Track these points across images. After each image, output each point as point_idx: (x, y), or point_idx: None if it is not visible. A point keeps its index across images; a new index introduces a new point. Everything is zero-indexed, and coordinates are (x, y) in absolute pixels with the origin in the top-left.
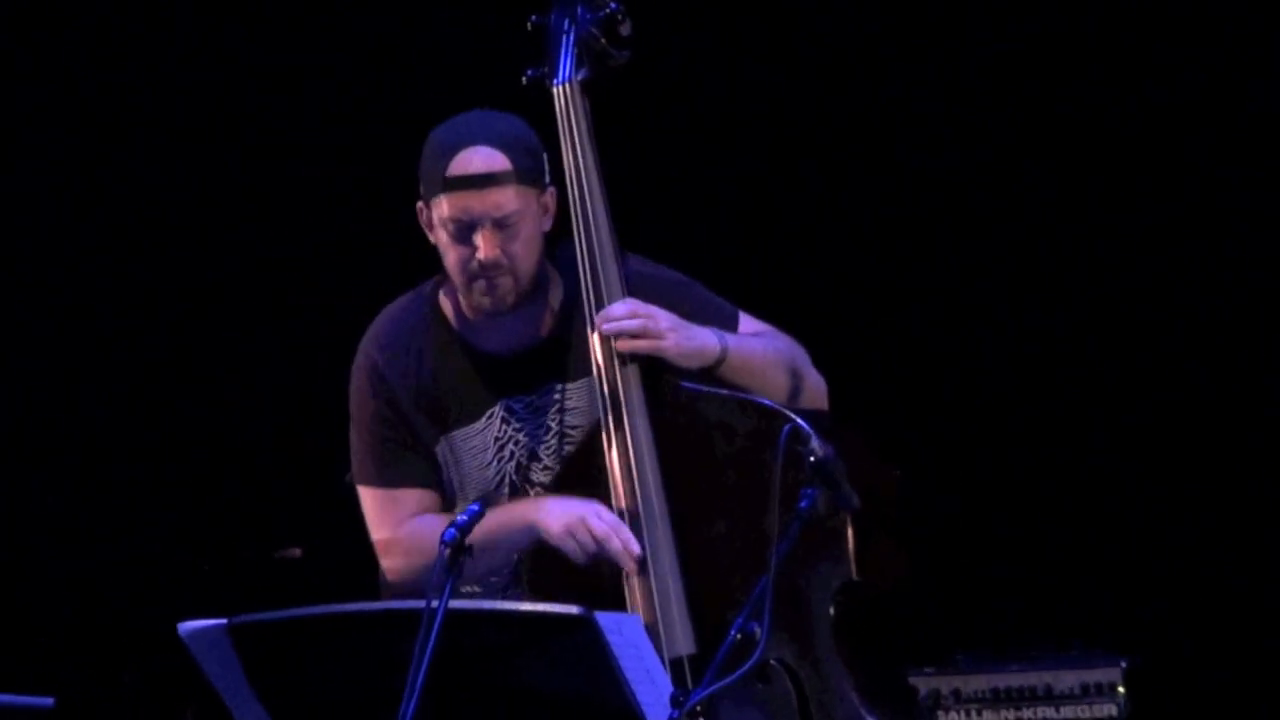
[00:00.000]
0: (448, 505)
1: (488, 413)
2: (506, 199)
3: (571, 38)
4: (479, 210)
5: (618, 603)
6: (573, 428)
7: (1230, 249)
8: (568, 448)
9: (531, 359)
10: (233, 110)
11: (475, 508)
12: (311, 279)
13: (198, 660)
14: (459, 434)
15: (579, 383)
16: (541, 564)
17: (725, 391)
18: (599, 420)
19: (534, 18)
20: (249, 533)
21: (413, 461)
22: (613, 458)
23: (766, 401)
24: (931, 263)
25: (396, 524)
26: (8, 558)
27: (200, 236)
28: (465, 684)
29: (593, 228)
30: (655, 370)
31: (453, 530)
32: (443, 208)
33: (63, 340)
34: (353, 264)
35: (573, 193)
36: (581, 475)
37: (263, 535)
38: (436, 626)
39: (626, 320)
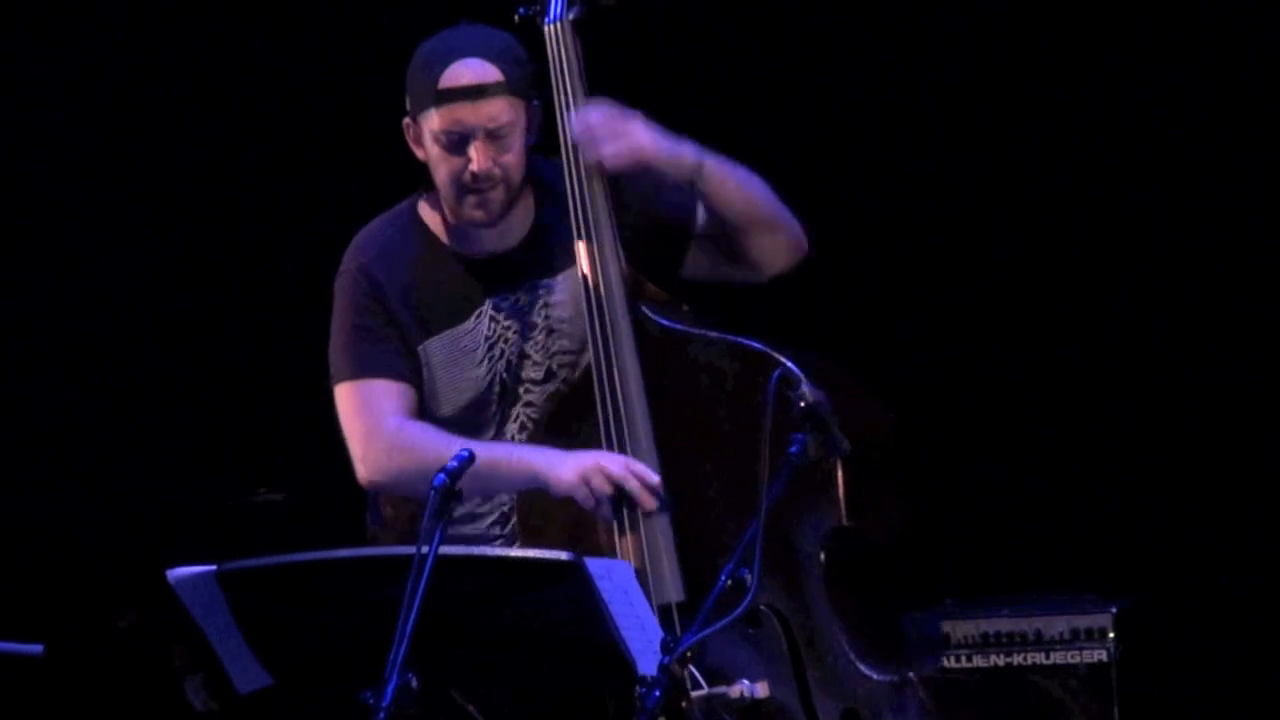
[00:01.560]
0: (422, 413)
1: (476, 312)
2: (499, 109)
3: None
4: (472, 121)
5: (609, 552)
6: (559, 320)
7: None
8: (557, 342)
9: (514, 258)
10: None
11: (464, 454)
12: (291, 218)
13: (187, 607)
14: (448, 335)
15: (560, 276)
16: (533, 512)
17: (714, 333)
18: (589, 364)
19: None
20: (233, 477)
21: (391, 353)
22: (603, 397)
23: (756, 344)
24: (926, 209)
25: (378, 416)
26: None
27: (186, 164)
28: (455, 629)
29: (581, 167)
30: (638, 284)
31: (443, 475)
32: (433, 121)
33: (47, 287)
34: (334, 194)
35: (563, 133)
36: (570, 416)
37: (246, 480)
38: (426, 572)
39: (594, 117)
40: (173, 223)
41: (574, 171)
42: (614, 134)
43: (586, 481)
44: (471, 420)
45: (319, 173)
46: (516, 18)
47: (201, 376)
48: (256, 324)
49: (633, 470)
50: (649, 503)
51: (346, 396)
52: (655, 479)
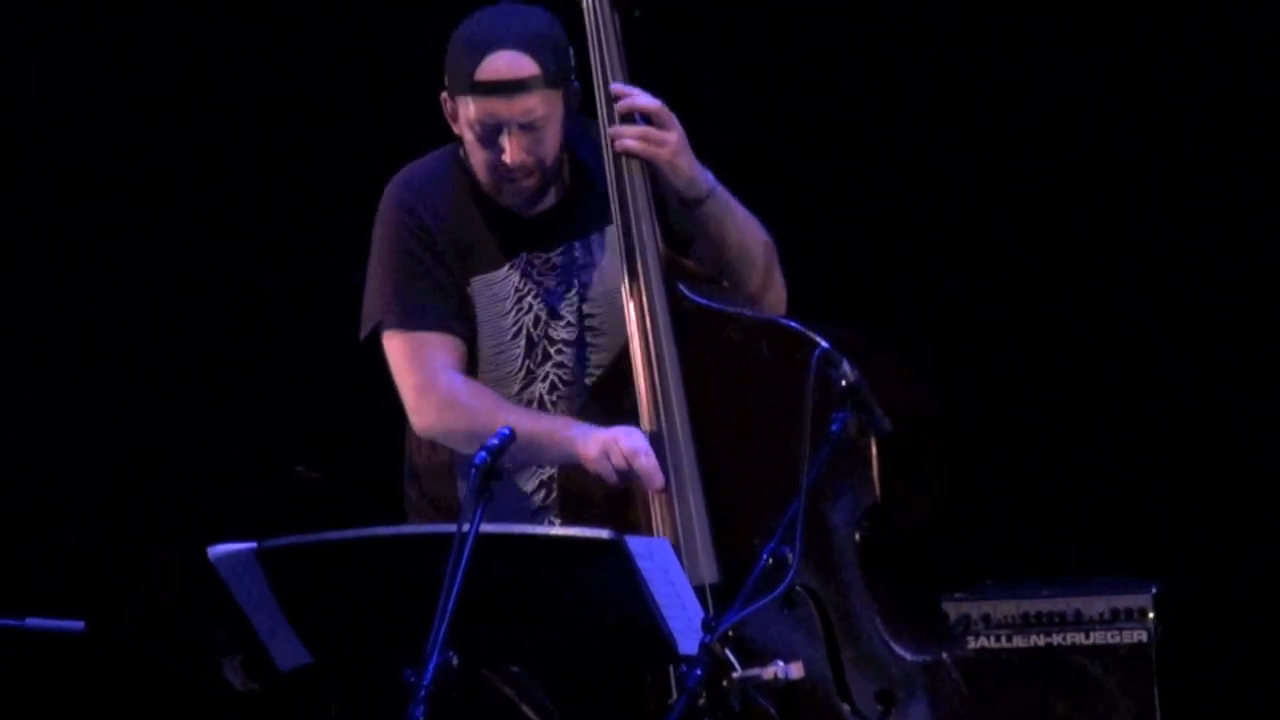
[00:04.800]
0: (470, 365)
1: (510, 262)
2: (534, 104)
3: None
4: (506, 115)
5: (646, 530)
6: (588, 285)
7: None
8: (586, 305)
9: (550, 217)
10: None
11: (505, 431)
12: (333, 188)
13: (227, 584)
14: (481, 279)
15: (594, 238)
16: (573, 492)
17: (750, 312)
18: (623, 336)
19: None
20: (273, 455)
21: (442, 304)
22: (639, 372)
23: (794, 323)
24: (969, 185)
25: (432, 372)
26: (38, 483)
27: (208, 146)
28: (496, 608)
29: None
30: (675, 263)
31: (484, 454)
32: (469, 109)
33: (88, 256)
34: (369, 163)
35: (602, 110)
36: (609, 395)
37: (287, 457)
38: (467, 551)
39: (641, 101)
40: (217, 203)
41: (611, 145)
42: (643, 134)
43: (607, 454)
44: (497, 370)
45: (351, 148)
46: None
47: (240, 356)
48: (297, 301)
49: (643, 448)
50: (655, 482)
51: (399, 346)
52: (659, 480)
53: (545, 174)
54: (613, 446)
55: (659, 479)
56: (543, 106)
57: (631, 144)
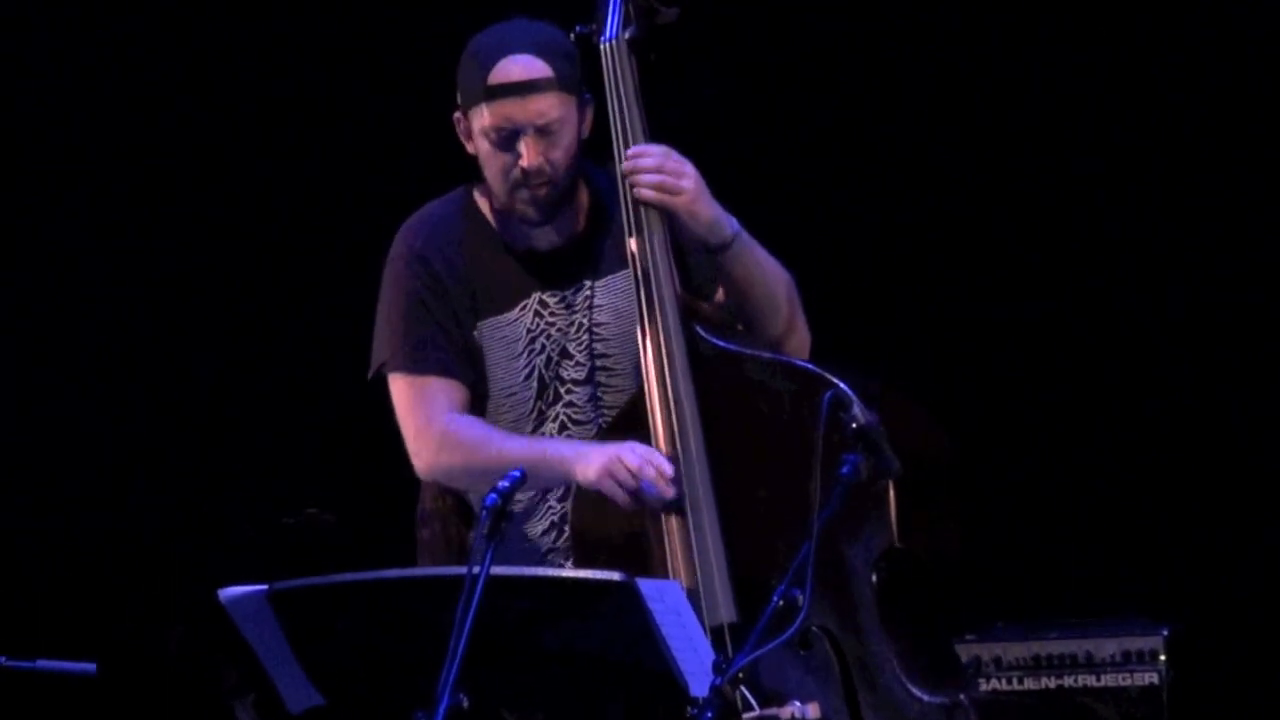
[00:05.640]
0: (477, 407)
1: (521, 304)
2: (549, 105)
3: None
4: (521, 118)
5: (662, 572)
6: (600, 324)
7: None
8: (598, 345)
9: (564, 256)
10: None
11: (516, 474)
12: (345, 231)
13: (239, 626)
14: (491, 322)
15: (608, 280)
16: (586, 533)
17: (768, 354)
18: (638, 376)
19: None
20: (285, 497)
21: (447, 351)
22: (655, 414)
23: (809, 365)
24: (988, 229)
25: (431, 414)
26: (49, 524)
27: (232, 174)
28: (506, 650)
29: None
30: (692, 305)
31: (494, 495)
32: (484, 117)
33: (102, 296)
34: (385, 202)
35: (618, 150)
36: (623, 434)
37: (298, 500)
38: (478, 593)
39: (648, 161)
40: (232, 240)
41: (629, 194)
42: (656, 184)
43: (611, 474)
44: (509, 410)
45: (369, 179)
46: (572, 35)
47: (253, 395)
48: (309, 342)
49: (650, 460)
50: (667, 491)
51: (403, 389)
52: (670, 469)
53: (559, 183)
54: (615, 465)
55: (668, 489)
56: (557, 109)
57: (648, 194)
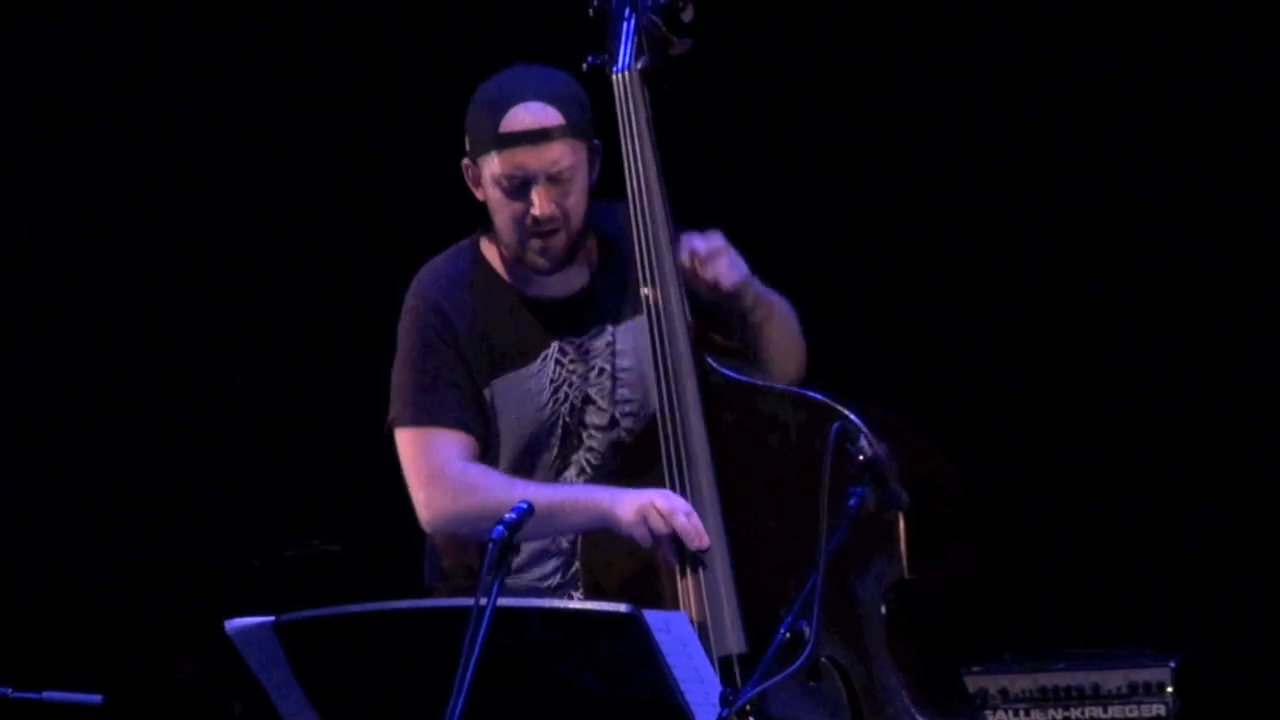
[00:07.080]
0: (487, 458)
1: (542, 354)
2: (561, 153)
3: (632, 25)
4: (534, 166)
5: (671, 603)
6: (623, 370)
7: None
8: (620, 390)
9: (578, 303)
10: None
11: (523, 506)
12: (356, 268)
13: (245, 657)
14: (514, 376)
15: (625, 325)
16: (595, 567)
17: (779, 385)
18: (654, 414)
19: (595, 3)
20: (291, 528)
21: (456, 401)
22: (666, 447)
23: (819, 396)
24: (993, 256)
25: (440, 461)
26: (55, 554)
27: (240, 212)
28: (513, 682)
29: (648, 216)
30: (703, 336)
31: (501, 528)
32: (494, 165)
33: (110, 329)
34: (399, 240)
35: (630, 182)
36: (634, 466)
37: (304, 531)
38: (485, 625)
39: (719, 243)
40: (238, 271)
41: (641, 220)
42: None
43: (645, 519)
44: (530, 462)
45: (385, 220)
46: (585, 66)
47: (260, 427)
48: (315, 374)
49: (682, 508)
50: (700, 540)
51: (409, 442)
52: (697, 523)
53: (572, 231)
54: (649, 510)
55: (703, 539)
56: (569, 156)
57: (734, 276)
